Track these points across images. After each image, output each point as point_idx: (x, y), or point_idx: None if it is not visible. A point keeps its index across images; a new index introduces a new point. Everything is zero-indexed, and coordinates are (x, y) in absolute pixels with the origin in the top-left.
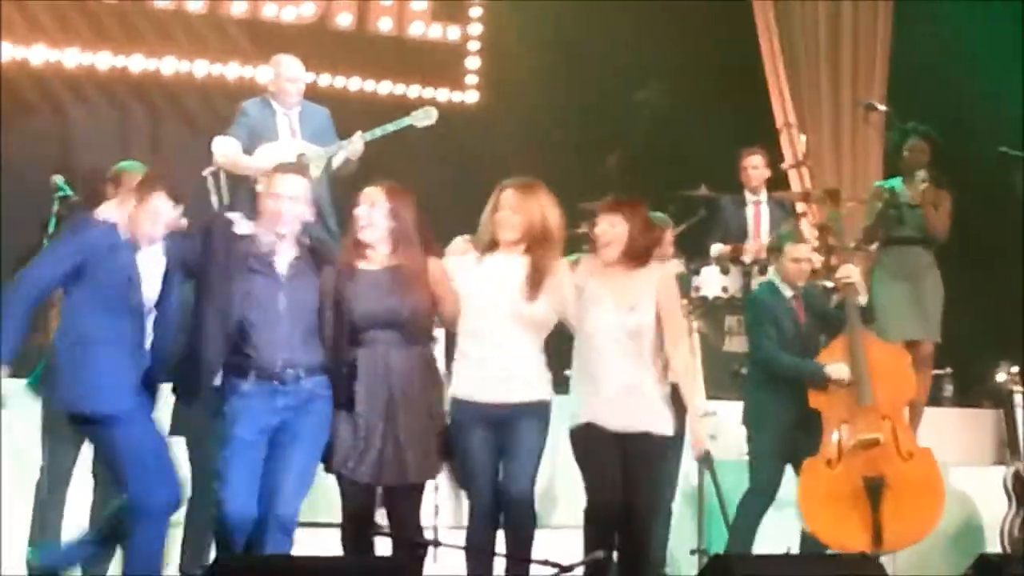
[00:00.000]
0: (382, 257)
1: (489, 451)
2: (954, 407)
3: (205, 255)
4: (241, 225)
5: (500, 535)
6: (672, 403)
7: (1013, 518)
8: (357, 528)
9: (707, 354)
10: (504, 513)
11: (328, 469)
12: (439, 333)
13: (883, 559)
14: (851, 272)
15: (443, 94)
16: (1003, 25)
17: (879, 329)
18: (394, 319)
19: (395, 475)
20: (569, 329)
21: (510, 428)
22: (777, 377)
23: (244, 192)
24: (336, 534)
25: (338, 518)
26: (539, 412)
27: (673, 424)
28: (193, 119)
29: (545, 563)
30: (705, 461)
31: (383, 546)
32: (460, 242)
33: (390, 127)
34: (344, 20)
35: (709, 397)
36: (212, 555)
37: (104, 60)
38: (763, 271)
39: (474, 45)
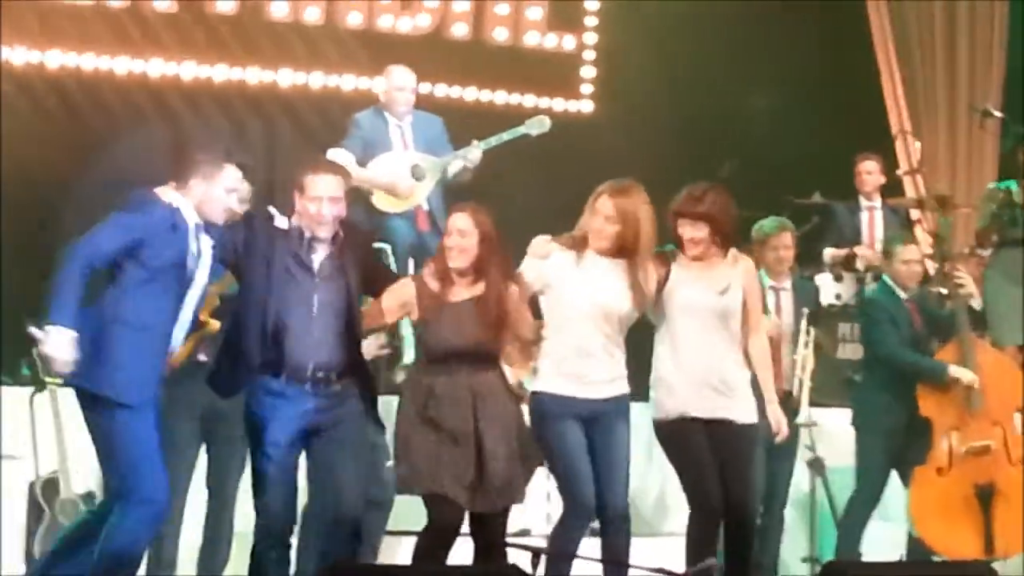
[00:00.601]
0: (467, 283)
1: (582, 447)
2: None
3: (246, 247)
4: (281, 220)
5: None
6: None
7: None
8: (444, 540)
9: (820, 361)
10: (602, 520)
11: (405, 484)
12: None
13: (995, 565)
14: (964, 277)
15: (558, 103)
16: None
17: (991, 334)
18: (479, 350)
19: (486, 502)
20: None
21: (601, 426)
22: (895, 376)
23: (360, 203)
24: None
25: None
26: (626, 409)
27: (756, 414)
28: (309, 131)
29: (660, 571)
30: (816, 467)
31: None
32: (542, 242)
33: (505, 135)
34: (460, 30)
35: (822, 404)
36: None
37: (221, 72)
38: (877, 278)
39: (589, 54)
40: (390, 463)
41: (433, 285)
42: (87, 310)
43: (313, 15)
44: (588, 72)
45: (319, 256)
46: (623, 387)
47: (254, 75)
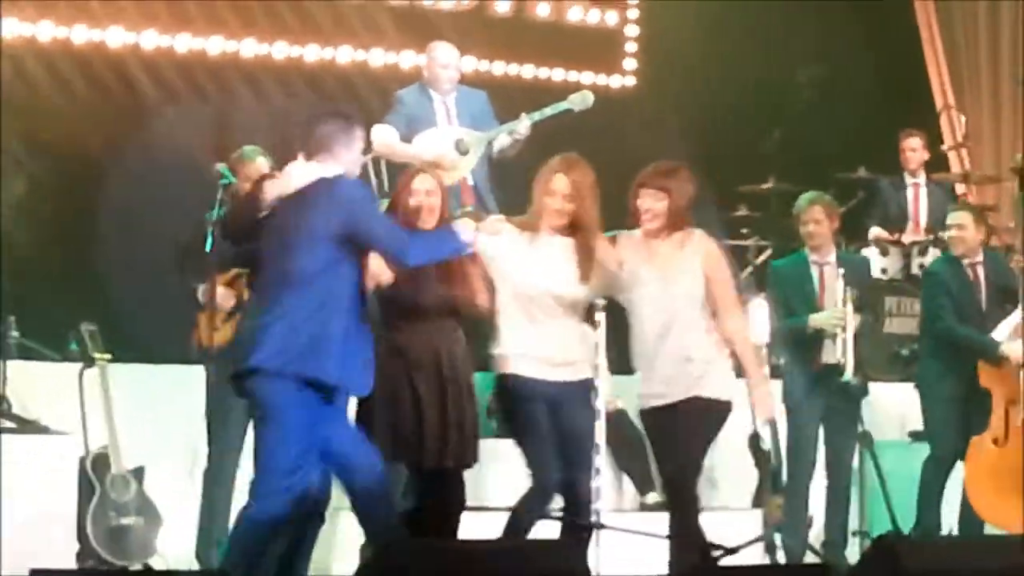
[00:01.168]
0: None
1: (546, 429)
2: None
3: None
4: None
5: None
6: None
7: None
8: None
9: (867, 336)
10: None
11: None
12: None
13: None
14: None
15: (601, 79)
16: None
17: None
18: (444, 308)
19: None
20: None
21: (564, 409)
22: (947, 346)
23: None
24: (499, 518)
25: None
26: (587, 393)
27: (731, 391)
28: (356, 106)
29: (711, 545)
30: (865, 441)
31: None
32: (494, 223)
33: (548, 110)
34: (503, 6)
35: (869, 378)
36: None
37: (280, 50)
38: (923, 252)
39: (632, 29)
40: None
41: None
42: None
43: None
44: (631, 47)
45: None
46: (585, 371)
47: (286, 51)
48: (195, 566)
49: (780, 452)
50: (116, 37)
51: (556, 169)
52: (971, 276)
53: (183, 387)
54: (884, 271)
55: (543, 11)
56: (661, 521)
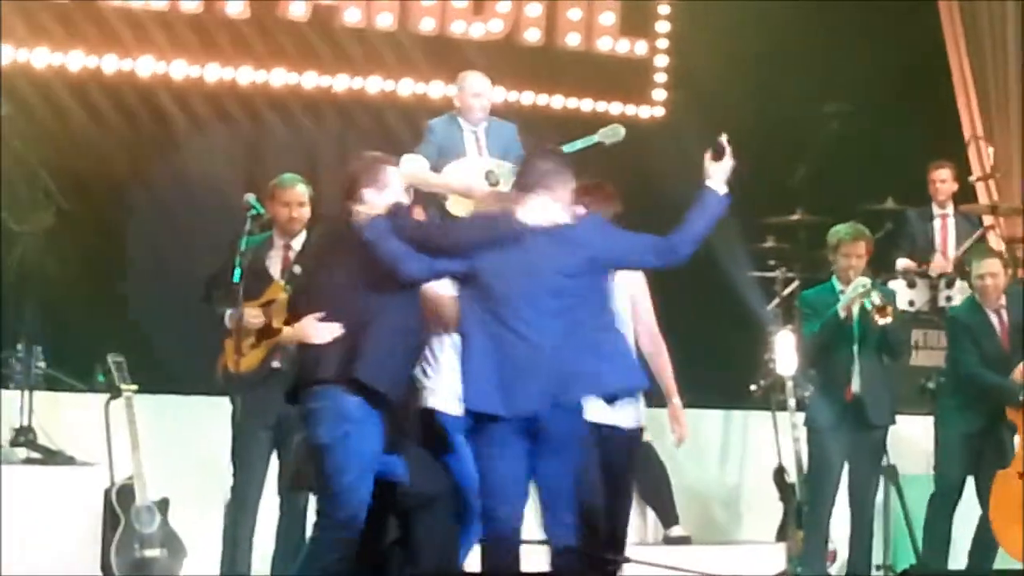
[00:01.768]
0: None
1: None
2: None
3: None
4: None
5: None
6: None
7: None
8: None
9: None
10: None
11: None
12: None
13: None
14: None
15: (631, 109)
16: None
17: None
18: None
19: None
20: None
21: None
22: (973, 387)
23: (435, 208)
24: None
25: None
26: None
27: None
28: (388, 136)
29: None
30: (890, 475)
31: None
32: None
33: (579, 144)
34: (532, 36)
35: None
36: None
37: (310, 80)
38: (950, 284)
39: (662, 60)
40: None
41: None
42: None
43: (386, 21)
44: (660, 78)
45: None
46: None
47: (325, 81)
48: None
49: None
50: (146, 67)
51: None
52: (995, 320)
53: (208, 419)
54: (911, 303)
55: (573, 41)
56: (685, 554)
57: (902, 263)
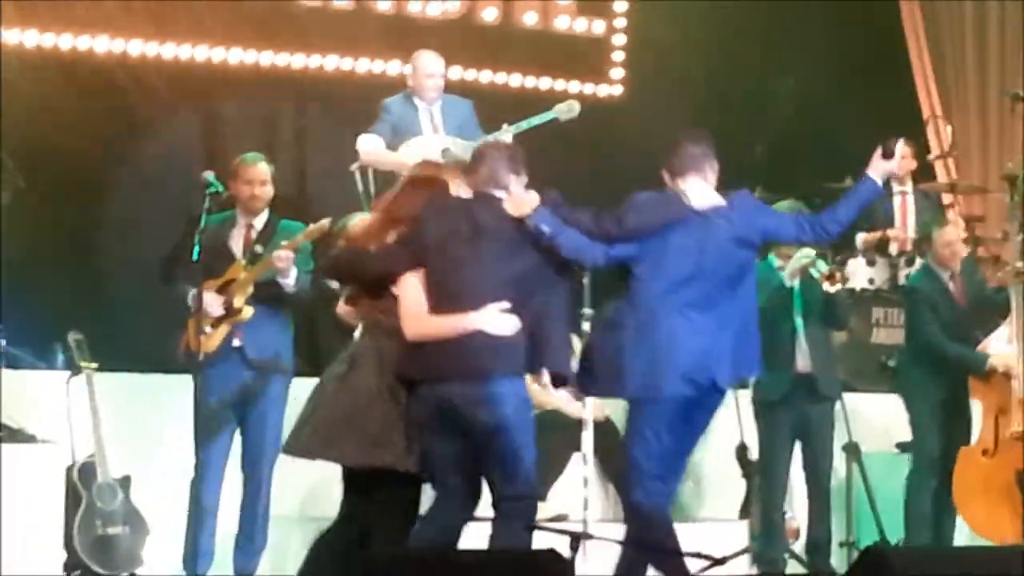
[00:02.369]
0: None
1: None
2: None
3: None
4: None
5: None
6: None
7: None
8: None
9: (855, 346)
10: None
11: None
12: None
13: None
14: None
15: (588, 88)
16: None
17: None
18: None
19: None
20: None
21: None
22: (935, 357)
23: (390, 188)
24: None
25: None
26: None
27: None
28: (339, 115)
29: (698, 555)
30: (852, 452)
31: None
32: None
33: (535, 120)
34: (489, 15)
35: (856, 390)
36: None
37: (250, 56)
38: (910, 262)
39: (619, 39)
40: None
41: None
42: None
43: (343, 2)
44: (618, 56)
45: None
46: None
47: (283, 59)
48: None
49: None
50: (103, 45)
51: None
52: (952, 286)
53: (169, 396)
54: (871, 281)
55: (530, 19)
56: None
57: (861, 237)
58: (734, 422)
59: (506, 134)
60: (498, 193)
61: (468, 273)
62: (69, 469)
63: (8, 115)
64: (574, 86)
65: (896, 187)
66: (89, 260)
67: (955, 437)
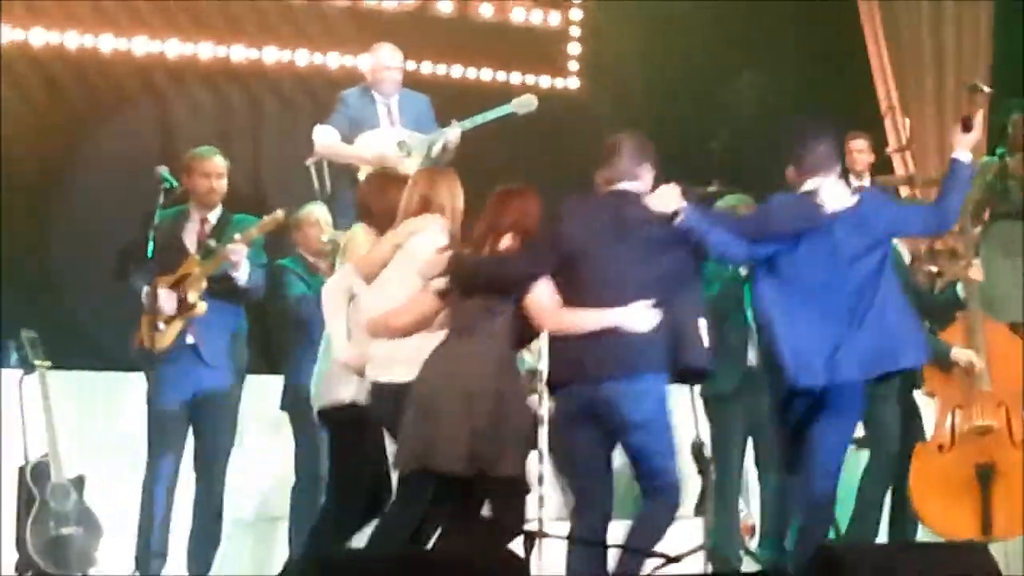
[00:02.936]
0: None
1: None
2: None
3: None
4: None
5: None
6: None
7: None
8: None
9: None
10: None
11: None
12: None
13: (993, 548)
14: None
15: (545, 80)
16: None
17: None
18: None
19: None
20: None
21: None
22: None
23: (345, 181)
24: None
25: None
26: None
27: None
28: (295, 109)
29: (652, 554)
30: None
31: None
32: None
33: (490, 115)
34: (445, 7)
35: None
36: None
37: (205, 50)
38: None
39: (576, 31)
40: None
41: None
42: None
43: None
44: (574, 49)
45: None
46: None
47: (239, 53)
48: None
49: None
50: (39, 37)
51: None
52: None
53: (123, 395)
54: None
55: (486, 11)
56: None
57: None
58: (690, 418)
59: (454, 130)
60: (629, 186)
61: (611, 269)
62: (22, 469)
63: None
64: (530, 79)
65: (854, 181)
66: (42, 257)
67: (911, 433)
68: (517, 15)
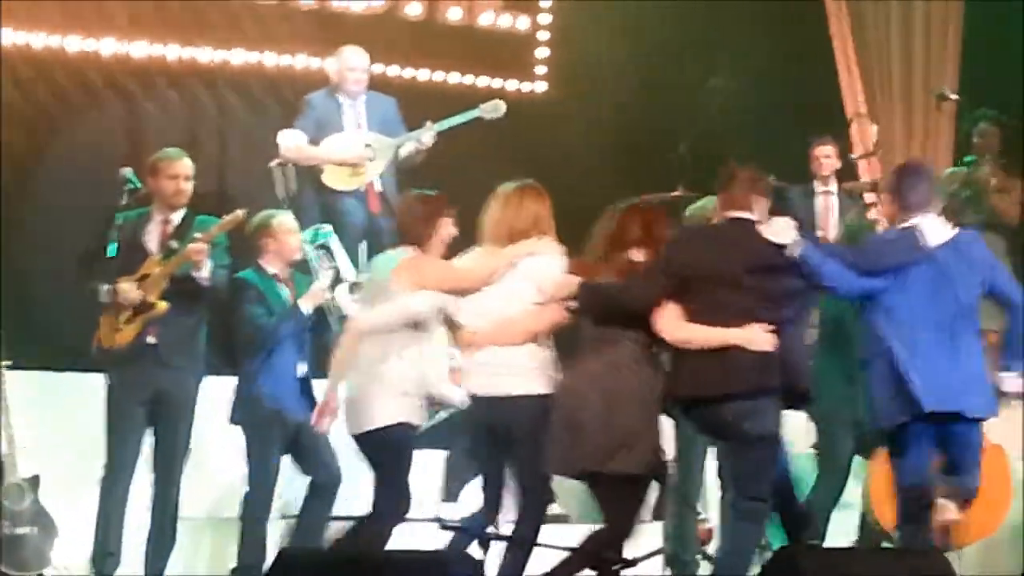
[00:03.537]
0: None
1: None
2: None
3: None
4: None
5: None
6: None
7: None
8: None
9: None
10: None
11: None
12: None
13: (950, 554)
14: None
15: (512, 84)
16: None
17: None
18: None
19: None
20: None
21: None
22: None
23: (310, 184)
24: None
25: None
26: None
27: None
28: (261, 110)
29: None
30: None
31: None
32: None
33: (459, 119)
34: (414, 10)
35: None
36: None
37: (172, 51)
38: None
39: (544, 35)
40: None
41: None
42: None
43: None
44: (542, 53)
45: None
46: None
47: (206, 54)
48: None
49: None
50: (7, 37)
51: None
52: None
53: (81, 395)
54: None
55: (454, 15)
56: (562, 532)
57: None
58: None
59: (428, 132)
60: (743, 214)
61: (729, 293)
62: None
63: None
64: (498, 83)
65: (819, 187)
66: (1, 257)
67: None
68: (485, 18)
